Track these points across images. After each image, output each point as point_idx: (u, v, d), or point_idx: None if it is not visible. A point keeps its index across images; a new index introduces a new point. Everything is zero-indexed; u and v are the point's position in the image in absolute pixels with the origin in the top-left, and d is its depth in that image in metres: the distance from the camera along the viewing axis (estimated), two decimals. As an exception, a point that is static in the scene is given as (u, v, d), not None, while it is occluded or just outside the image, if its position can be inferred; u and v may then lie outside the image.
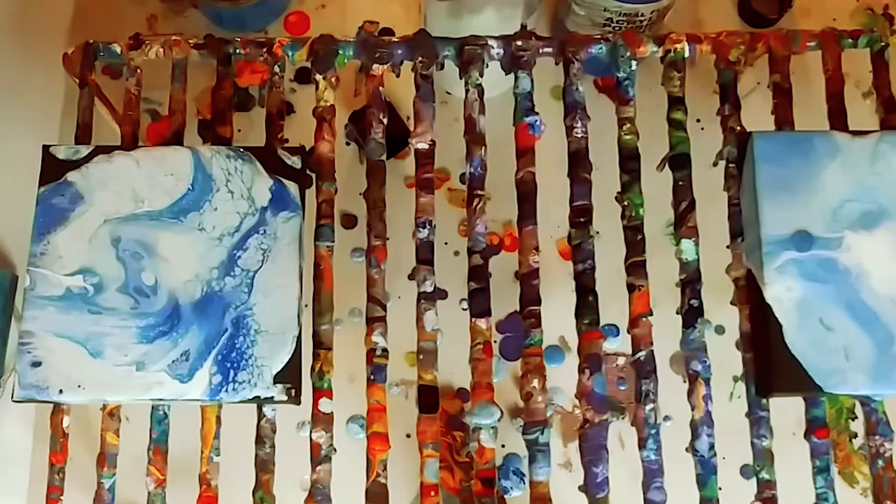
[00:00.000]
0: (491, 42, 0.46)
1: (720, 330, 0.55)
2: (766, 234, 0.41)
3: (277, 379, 0.41)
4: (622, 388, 0.57)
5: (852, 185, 0.42)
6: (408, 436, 0.55)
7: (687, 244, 0.43)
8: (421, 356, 0.42)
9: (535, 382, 0.41)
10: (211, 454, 0.42)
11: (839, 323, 0.40)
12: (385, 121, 0.46)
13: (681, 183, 0.44)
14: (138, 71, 0.47)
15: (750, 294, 0.42)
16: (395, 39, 0.47)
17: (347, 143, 0.63)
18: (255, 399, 0.41)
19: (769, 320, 0.40)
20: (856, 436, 0.59)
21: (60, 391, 0.40)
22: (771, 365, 0.40)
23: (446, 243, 0.59)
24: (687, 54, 0.46)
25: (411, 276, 0.43)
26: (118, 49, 0.47)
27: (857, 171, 0.42)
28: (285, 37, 0.47)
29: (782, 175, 0.42)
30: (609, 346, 0.57)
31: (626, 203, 0.44)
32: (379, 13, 0.55)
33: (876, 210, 0.41)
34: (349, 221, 0.61)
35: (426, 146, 0.45)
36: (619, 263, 0.44)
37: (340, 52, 0.46)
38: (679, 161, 0.45)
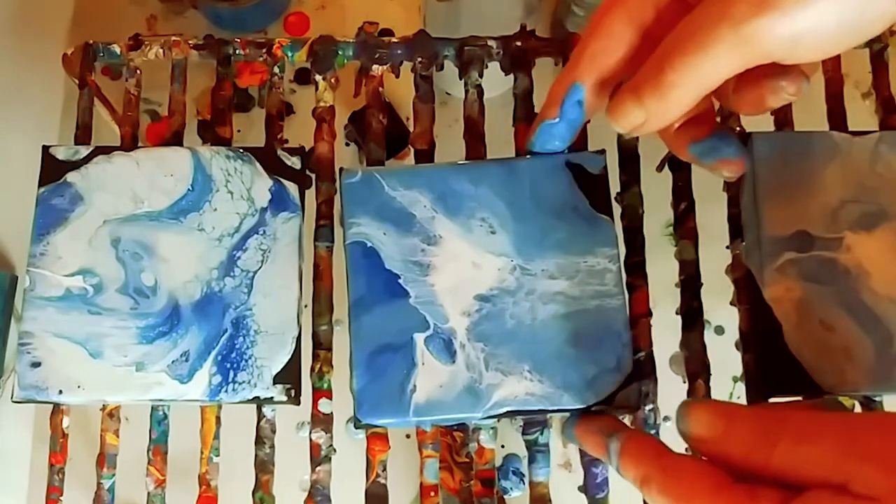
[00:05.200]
0: (490, 42, 0.46)
1: (720, 330, 0.55)
2: (766, 234, 0.41)
3: (277, 379, 0.41)
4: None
5: (852, 186, 0.42)
6: (407, 436, 0.55)
7: (686, 244, 0.43)
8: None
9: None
10: (211, 454, 0.42)
11: (839, 323, 0.40)
12: (385, 121, 0.46)
13: (680, 183, 0.44)
14: (138, 71, 0.47)
15: (750, 294, 0.42)
16: (394, 40, 0.47)
17: (347, 144, 0.63)
18: (255, 399, 0.41)
19: (769, 321, 0.40)
20: (855, 436, 0.58)
21: (60, 392, 0.40)
22: (770, 366, 0.40)
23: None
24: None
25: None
26: (118, 49, 0.47)
27: (857, 172, 0.42)
28: (285, 37, 0.47)
29: (782, 175, 0.42)
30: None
31: (625, 203, 0.44)
32: (379, 14, 0.55)
33: (876, 210, 0.41)
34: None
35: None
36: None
37: (340, 52, 0.46)
38: (679, 161, 0.45)
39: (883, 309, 0.40)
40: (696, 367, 0.42)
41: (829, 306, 0.40)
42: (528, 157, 0.43)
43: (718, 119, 0.46)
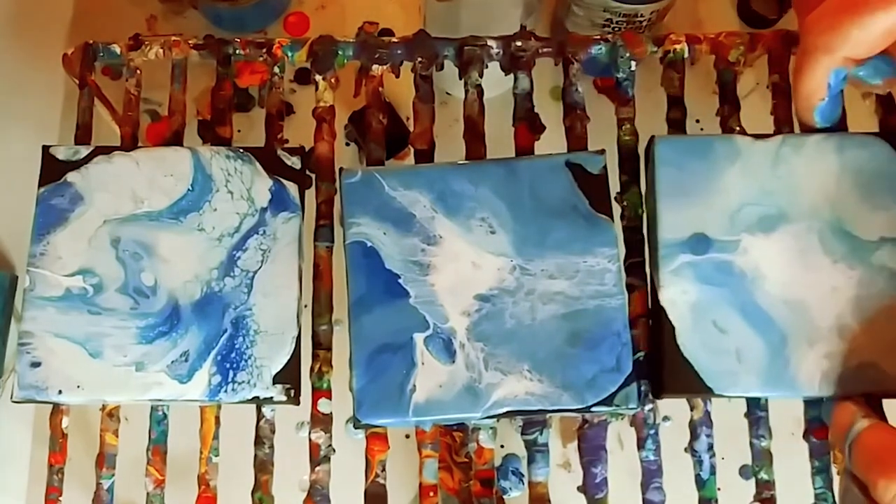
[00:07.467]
0: (490, 42, 0.46)
1: (719, 330, 0.55)
2: (663, 237, 0.41)
3: (277, 379, 0.41)
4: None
5: (752, 189, 0.41)
6: (407, 436, 0.55)
7: (686, 245, 0.43)
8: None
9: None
10: (210, 455, 0.42)
11: (732, 325, 0.40)
12: (385, 121, 0.46)
13: (680, 183, 0.44)
14: (138, 71, 0.47)
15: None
16: (394, 40, 0.47)
17: (347, 144, 0.63)
18: (255, 399, 0.41)
19: (662, 322, 0.40)
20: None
21: (59, 392, 0.40)
22: (662, 366, 0.40)
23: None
24: (686, 55, 0.46)
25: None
26: (118, 49, 0.47)
27: (758, 175, 0.41)
28: (285, 37, 0.47)
29: (681, 178, 0.41)
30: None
31: (625, 203, 0.44)
32: (379, 14, 0.55)
33: (774, 213, 0.41)
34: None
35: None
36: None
37: (340, 52, 0.46)
38: (678, 162, 0.44)
39: (777, 311, 0.40)
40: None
41: (723, 308, 0.40)
42: (527, 157, 0.43)
43: (718, 118, 0.46)
